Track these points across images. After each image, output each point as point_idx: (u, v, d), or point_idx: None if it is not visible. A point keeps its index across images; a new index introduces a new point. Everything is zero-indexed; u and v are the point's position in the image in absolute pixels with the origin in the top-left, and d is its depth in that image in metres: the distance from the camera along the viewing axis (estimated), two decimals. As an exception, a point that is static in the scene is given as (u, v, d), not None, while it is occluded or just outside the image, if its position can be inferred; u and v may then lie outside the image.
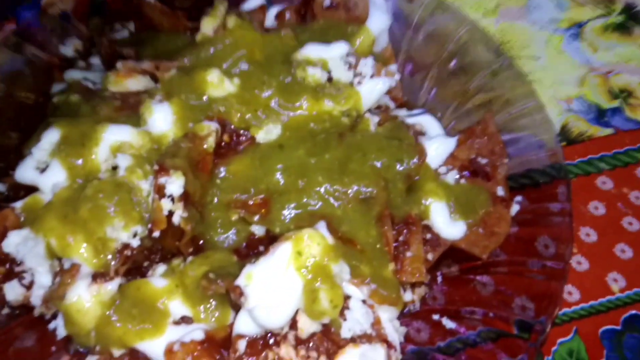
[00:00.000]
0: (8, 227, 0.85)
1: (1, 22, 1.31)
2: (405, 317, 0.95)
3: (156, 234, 0.82)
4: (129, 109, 0.98)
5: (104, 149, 0.90)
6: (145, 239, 0.85)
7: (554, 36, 1.36)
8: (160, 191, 0.81)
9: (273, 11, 1.22)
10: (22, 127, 1.06)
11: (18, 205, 0.88)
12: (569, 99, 1.27)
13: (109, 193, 0.83)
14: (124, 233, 0.84)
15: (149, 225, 0.84)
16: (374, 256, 0.88)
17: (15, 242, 0.84)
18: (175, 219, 0.83)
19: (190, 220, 0.84)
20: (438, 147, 1.04)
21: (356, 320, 0.82)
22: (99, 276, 0.83)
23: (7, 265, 0.85)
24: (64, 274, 0.82)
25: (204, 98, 0.97)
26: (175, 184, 0.82)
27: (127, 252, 0.84)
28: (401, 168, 0.94)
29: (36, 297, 0.84)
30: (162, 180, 0.81)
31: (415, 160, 0.94)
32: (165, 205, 0.82)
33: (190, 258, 0.89)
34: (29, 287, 0.84)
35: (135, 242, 0.85)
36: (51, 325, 0.87)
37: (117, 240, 0.84)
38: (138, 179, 0.86)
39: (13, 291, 0.84)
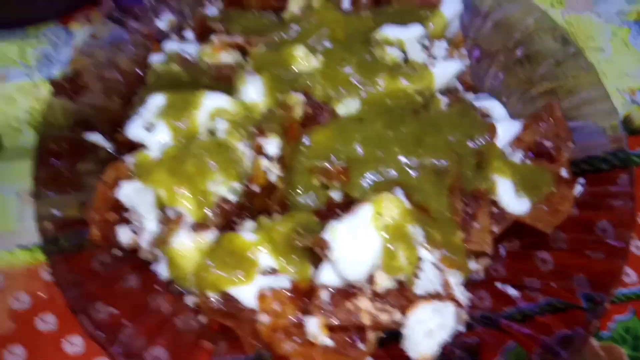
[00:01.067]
0: (120, 177, 0.96)
1: (99, -2, 1.42)
2: (469, 284, 1.01)
3: (255, 187, 0.92)
4: (224, 80, 1.08)
5: (203, 114, 1.00)
6: (241, 195, 0.95)
7: (621, 29, 1.39)
8: (259, 150, 0.91)
9: (349, -4, 1.30)
10: (124, 93, 1.18)
11: (128, 159, 0.98)
12: (633, 91, 1.30)
13: (211, 151, 0.94)
14: (223, 188, 0.94)
15: (246, 182, 0.93)
16: (444, 224, 0.95)
17: (127, 192, 0.95)
18: (272, 177, 0.92)
19: (283, 178, 0.93)
20: (504, 128, 1.10)
21: (428, 280, 0.90)
22: (199, 226, 0.93)
23: (119, 212, 0.96)
24: (170, 222, 0.92)
25: (290, 72, 1.06)
26: (272, 145, 0.92)
27: (225, 206, 0.94)
28: (472, 144, 1.00)
29: (144, 241, 0.95)
30: (260, 140, 0.91)
31: (486, 137, 1.01)
32: (264, 163, 0.91)
33: (276, 216, 0.98)
34: (137, 232, 0.95)
35: (232, 197, 0.95)
36: (154, 268, 0.98)
37: (216, 194, 0.94)
38: (235, 140, 0.96)
39: (125, 235, 0.95)
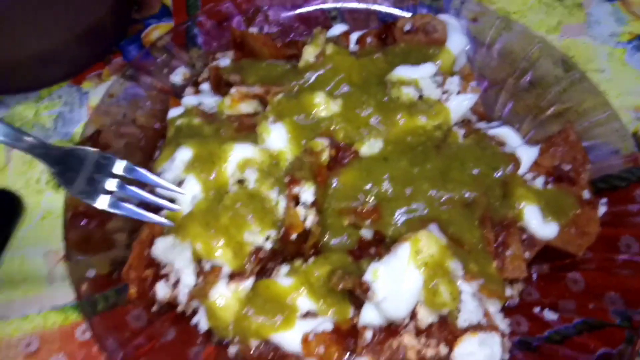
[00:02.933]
0: (155, 235, 0.96)
1: (108, 56, 1.44)
2: (505, 310, 1.02)
3: (293, 236, 0.92)
4: (246, 130, 1.10)
5: (231, 165, 1.02)
6: (276, 242, 0.96)
7: (616, 49, 1.44)
8: (295, 199, 0.92)
9: (354, 36, 1.34)
10: (144, 148, 1.19)
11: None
12: (637, 107, 1.34)
13: (245, 202, 0.95)
14: (260, 237, 0.95)
15: (282, 229, 0.94)
16: (479, 255, 0.96)
17: (163, 247, 0.95)
18: (308, 223, 0.94)
19: (319, 224, 0.94)
20: (522, 155, 1.13)
21: (470, 312, 0.90)
22: (236, 275, 0.93)
23: (154, 269, 0.96)
24: (208, 274, 0.93)
25: (311, 118, 1.09)
26: (307, 192, 0.93)
27: (261, 254, 0.95)
28: (498, 175, 1.03)
29: (182, 294, 0.95)
30: (295, 189, 0.93)
31: (510, 167, 1.03)
32: (301, 211, 0.93)
33: (311, 259, 0.99)
34: (174, 287, 0.95)
35: (268, 245, 0.95)
36: (193, 321, 0.98)
37: (252, 243, 0.94)
38: (267, 189, 0.97)
39: (162, 290, 0.95)
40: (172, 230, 0.96)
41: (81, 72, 1.42)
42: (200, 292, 0.92)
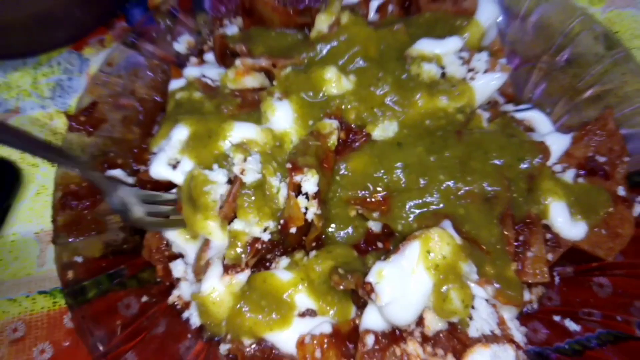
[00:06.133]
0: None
1: (111, 20, 1.36)
2: (521, 316, 0.94)
3: (293, 230, 0.85)
4: (249, 107, 1.01)
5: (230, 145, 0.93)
6: (275, 233, 0.88)
7: (668, 25, 1.29)
8: (296, 189, 0.84)
9: (375, 3, 1.21)
10: (142, 122, 1.12)
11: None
12: (687, 92, 1.20)
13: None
14: (257, 228, 0.87)
15: (281, 221, 0.86)
16: (497, 256, 0.87)
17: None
18: (309, 216, 0.85)
19: (322, 216, 0.86)
20: (552, 144, 1.02)
21: (483, 320, 0.82)
22: (230, 267, 0.87)
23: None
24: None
25: (321, 95, 0.99)
26: (310, 182, 0.84)
27: (258, 246, 0.87)
28: (524, 167, 0.92)
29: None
30: (297, 178, 0.84)
31: (539, 159, 0.92)
32: (302, 202, 0.84)
33: (313, 252, 0.91)
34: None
35: (266, 237, 0.88)
36: (184, 315, 0.92)
37: (249, 234, 0.87)
38: (269, 175, 0.89)
39: (178, 268, 0.94)
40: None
41: (83, 36, 1.34)
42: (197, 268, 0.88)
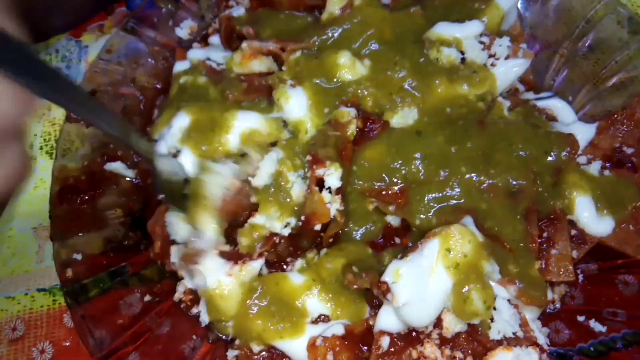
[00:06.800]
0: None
1: (111, 5, 1.30)
2: (544, 316, 0.89)
3: (317, 226, 0.80)
4: (255, 92, 0.96)
5: (234, 137, 0.88)
6: (294, 229, 0.84)
7: (697, 8, 1.23)
8: (319, 183, 0.79)
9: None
10: (143, 111, 1.07)
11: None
12: None
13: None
14: (278, 223, 0.83)
15: (302, 217, 0.82)
16: (520, 254, 0.82)
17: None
18: (332, 211, 0.81)
19: (344, 212, 0.81)
20: (576, 134, 0.96)
21: (505, 322, 0.78)
22: (245, 256, 0.82)
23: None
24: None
25: (335, 81, 0.93)
26: (333, 177, 0.80)
27: (276, 239, 0.83)
28: (551, 160, 0.87)
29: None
30: (319, 172, 0.79)
31: (566, 152, 0.87)
32: (326, 197, 0.79)
33: (324, 250, 0.86)
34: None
35: (286, 232, 0.84)
36: (194, 310, 0.88)
37: (269, 228, 0.83)
38: (289, 170, 0.84)
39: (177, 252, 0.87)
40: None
41: (82, 22, 1.28)
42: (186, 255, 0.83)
